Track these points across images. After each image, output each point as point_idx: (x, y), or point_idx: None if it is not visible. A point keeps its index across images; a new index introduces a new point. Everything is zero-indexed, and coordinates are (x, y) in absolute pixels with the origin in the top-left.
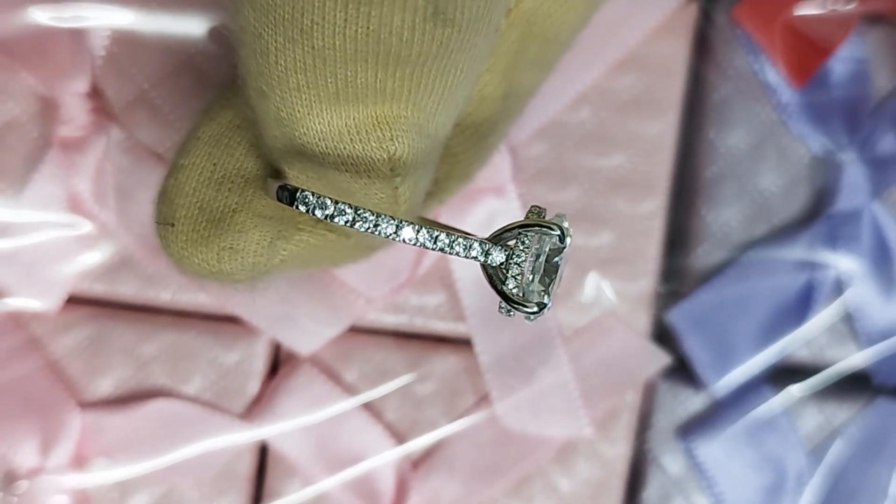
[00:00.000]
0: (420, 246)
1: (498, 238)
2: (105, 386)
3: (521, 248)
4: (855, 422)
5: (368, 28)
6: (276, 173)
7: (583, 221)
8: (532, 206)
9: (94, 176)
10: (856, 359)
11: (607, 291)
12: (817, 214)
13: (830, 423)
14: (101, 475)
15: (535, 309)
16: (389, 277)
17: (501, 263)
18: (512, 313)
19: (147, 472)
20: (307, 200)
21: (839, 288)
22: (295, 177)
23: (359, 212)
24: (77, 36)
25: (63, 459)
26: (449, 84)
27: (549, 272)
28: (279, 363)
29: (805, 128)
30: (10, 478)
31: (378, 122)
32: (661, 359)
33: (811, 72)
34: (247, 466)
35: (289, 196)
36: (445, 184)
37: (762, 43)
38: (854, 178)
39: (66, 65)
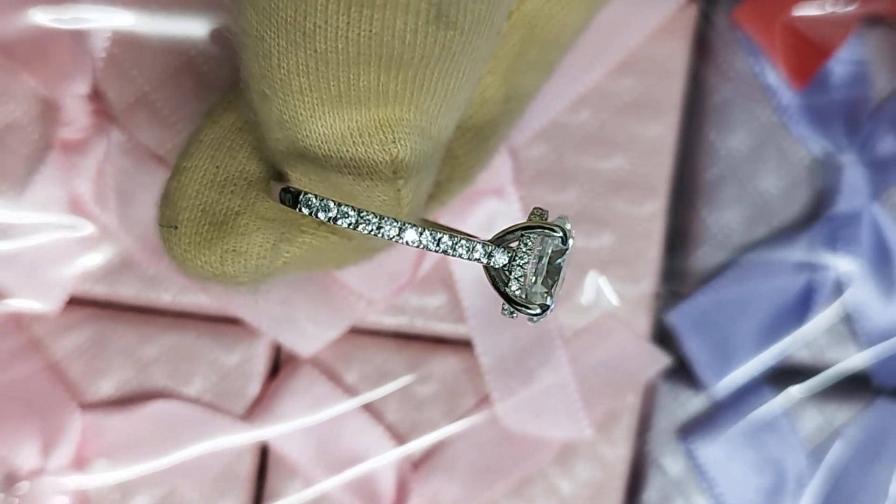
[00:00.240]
0: (423, 248)
1: (500, 240)
2: (106, 387)
3: (524, 249)
4: (855, 423)
5: (371, 31)
6: (279, 176)
7: (583, 223)
8: (534, 208)
9: (95, 178)
10: (856, 360)
11: (607, 293)
12: (817, 216)
13: (830, 425)
14: (101, 476)
15: (538, 310)
16: (390, 279)
17: (504, 265)
18: (515, 315)
19: (148, 474)
20: (310, 203)
21: (839, 289)
22: (297, 179)
23: (362, 214)
24: (78, 38)
25: (64, 461)
26: (451, 87)
27: (552, 274)
28: (280, 364)
29: (805, 129)
30: (11, 479)
31: (380, 125)
32: (662, 360)
33: (811, 73)
34: (247, 467)
35: (292, 199)
36: (447, 186)
37: (762, 45)
38: (854, 180)
39: (66, 66)
